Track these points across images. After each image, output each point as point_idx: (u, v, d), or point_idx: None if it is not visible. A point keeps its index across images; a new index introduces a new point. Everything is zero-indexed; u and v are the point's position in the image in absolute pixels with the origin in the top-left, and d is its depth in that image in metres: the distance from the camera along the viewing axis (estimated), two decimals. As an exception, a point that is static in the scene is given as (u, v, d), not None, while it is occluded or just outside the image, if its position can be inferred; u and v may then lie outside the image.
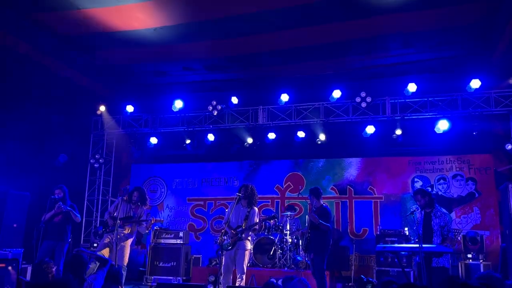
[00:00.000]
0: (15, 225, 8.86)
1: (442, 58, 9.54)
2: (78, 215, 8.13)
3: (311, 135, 10.26)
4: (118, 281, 5.17)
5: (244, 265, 6.99)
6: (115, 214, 7.52)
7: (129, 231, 7.35)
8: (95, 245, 9.81)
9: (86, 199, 11.27)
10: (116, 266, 6.92)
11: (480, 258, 8.35)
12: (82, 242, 10.76)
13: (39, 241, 7.60)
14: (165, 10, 7.99)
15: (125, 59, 10.02)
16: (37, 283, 2.05)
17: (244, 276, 6.99)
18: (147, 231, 7.40)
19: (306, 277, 7.77)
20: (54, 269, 5.13)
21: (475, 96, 9.23)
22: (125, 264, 7.45)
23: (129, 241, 7.49)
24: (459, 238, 8.88)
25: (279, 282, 6.67)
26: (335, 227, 10.57)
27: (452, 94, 9.43)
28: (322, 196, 7.54)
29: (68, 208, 7.85)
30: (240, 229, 6.99)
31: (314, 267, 7.27)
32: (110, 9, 8.06)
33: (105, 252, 7.24)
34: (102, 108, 11.16)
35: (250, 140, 10.58)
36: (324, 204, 7.40)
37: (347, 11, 7.85)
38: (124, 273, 7.39)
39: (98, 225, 10.85)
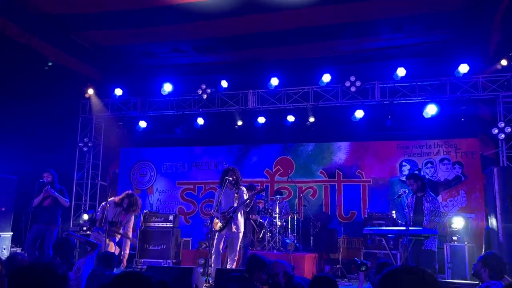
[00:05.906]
0: (3, 209, 8.81)
1: (431, 42, 9.55)
2: (67, 200, 8.01)
3: (301, 119, 10.28)
4: (110, 265, 5.10)
5: (237, 247, 7.03)
6: (105, 213, 7.48)
7: (108, 242, 7.30)
8: (84, 228, 9.80)
9: (75, 183, 11.22)
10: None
11: (465, 241, 8.51)
12: (71, 226, 10.74)
13: (27, 224, 7.54)
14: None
15: (113, 40, 9.88)
16: (21, 266, 2.02)
17: (236, 259, 7.04)
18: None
19: (296, 259, 7.91)
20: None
21: (463, 80, 9.28)
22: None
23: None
24: (445, 221, 9.02)
25: None
26: (323, 210, 10.69)
27: (440, 79, 9.47)
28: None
29: (56, 194, 7.73)
30: (233, 208, 7.01)
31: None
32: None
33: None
34: (90, 91, 11.03)
35: (240, 123, 10.63)
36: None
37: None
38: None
39: (87, 209, 10.87)
